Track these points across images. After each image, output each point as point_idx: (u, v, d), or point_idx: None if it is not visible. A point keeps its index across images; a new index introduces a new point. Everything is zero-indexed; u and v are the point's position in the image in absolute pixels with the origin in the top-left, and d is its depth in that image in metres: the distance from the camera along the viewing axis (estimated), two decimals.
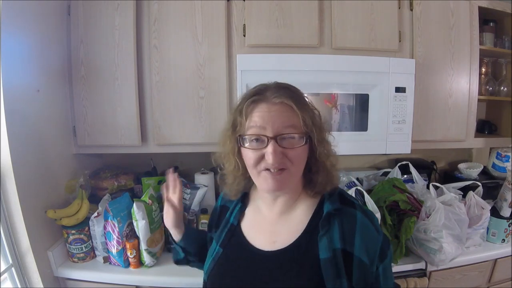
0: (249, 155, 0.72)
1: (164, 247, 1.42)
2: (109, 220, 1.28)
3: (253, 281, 0.74)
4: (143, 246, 1.30)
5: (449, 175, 1.93)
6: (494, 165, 1.88)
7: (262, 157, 0.70)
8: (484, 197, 1.50)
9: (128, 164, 1.70)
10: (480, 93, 1.64)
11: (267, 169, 0.70)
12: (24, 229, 1.15)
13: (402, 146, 1.51)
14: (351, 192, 1.37)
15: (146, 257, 1.31)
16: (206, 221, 1.36)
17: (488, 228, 1.47)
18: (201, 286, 0.85)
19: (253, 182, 0.77)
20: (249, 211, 0.85)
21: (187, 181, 1.57)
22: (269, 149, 0.68)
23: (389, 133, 1.48)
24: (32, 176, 1.20)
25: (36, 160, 1.24)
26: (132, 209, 1.30)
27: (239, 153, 0.75)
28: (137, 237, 1.31)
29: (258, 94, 0.72)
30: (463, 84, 1.58)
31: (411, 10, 1.50)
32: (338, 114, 1.48)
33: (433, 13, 1.51)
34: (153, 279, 1.27)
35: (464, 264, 1.39)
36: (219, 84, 1.44)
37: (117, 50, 1.39)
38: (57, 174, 1.37)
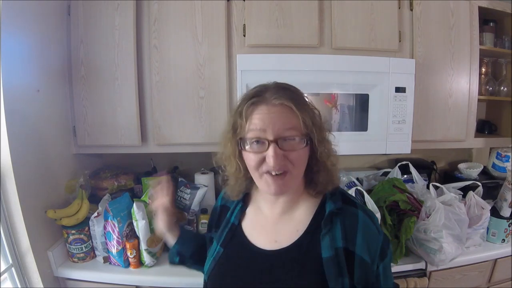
0: (250, 158, 0.71)
1: (164, 247, 1.42)
2: (109, 220, 1.28)
3: (253, 281, 0.74)
4: (143, 246, 1.30)
5: (449, 175, 1.93)
6: (494, 165, 1.88)
7: (263, 160, 0.70)
8: (484, 197, 1.50)
9: (128, 164, 1.70)
10: (480, 93, 1.64)
11: (269, 172, 0.70)
12: (24, 229, 1.15)
13: (402, 146, 1.51)
14: (351, 192, 1.37)
15: (146, 257, 1.31)
16: (206, 221, 1.36)
17: (488, 228, 1.47)
18: (202, 286, 0.85)
19: (255, 182, 0.77)
20: (250, 211, 0.84)
21: (187, 181, 1.57)
22: (270, 152, 0.68)
23: (389, 133, 1.48)
24: (32, 176, 1.20)
25: (36, 160, 1.24)
26: (132, 209, 1.30)
27: (240, 156, 0.75)
28: (137, 237, 1.31)
29: (258, 96, 0.72)
30: (463, 84, 1.58)
31: (411, 10, 1.50)
32: (338, 114, 1.48)
33: (433, 13, 1.51)
34: (153, 279, 1.27)
35: (464, 264, 1.39)
36: (219, 84, 1.44)
37: (117, 50, 1.39)
38: (57, 174, 1.37)
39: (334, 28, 1.46)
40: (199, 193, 1.50)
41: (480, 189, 1.51)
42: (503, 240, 1.48)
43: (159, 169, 1.73)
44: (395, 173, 1.69)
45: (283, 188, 0.72)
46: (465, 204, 1.42)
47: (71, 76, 1.41)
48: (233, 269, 0.78)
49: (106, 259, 1.34)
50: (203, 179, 1.61)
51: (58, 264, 1.29)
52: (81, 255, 1.33)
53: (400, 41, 1.50)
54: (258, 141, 0.70)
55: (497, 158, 1.86)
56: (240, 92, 1.38)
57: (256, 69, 1.38)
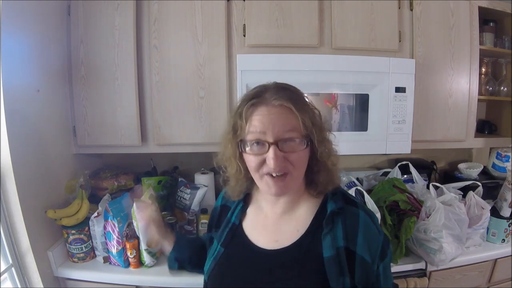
0: (250, 159, 0.72)
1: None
2: (109, 220, 1.28)
3: (254, 281, 0.74)
4: (143, 246, 1.29)
5: (449, 175, 1.93)
6: (494, 165, 1.88)
7: (263, 162, 0.70)
8: (484, 197, 1.50)
9: (128, 164, 1.70)
10: (480, 93, 1.64)
11: (269, 174, 0.70)
12: (24, 229, 1.15)
13: (402, 146, 1.51)
14: (351, 192, 1.37)
15: (146, 257, 1.31)
16: (206, 221, 1.36)
17: (488, 228, 1.47)
18: (202, 286, 0.85)
19: (255, 183, 0.77)
20: (251, 211, 0.85)
21: (187, 181, 1.57)
22: (270, 154, 0.68)
23: (389, 133, 1.48)
24: (32, 176, 1.20)
25: (36, 160, 1.24)
26: (132, 209, 1.29)
27: (241, 157, 0.75)
28: (137, 237, 1.30)
29: (258, 97, 0.72)
30: (463, 84, 1.58)
31: (411, 10, 1.50)
32: (338, 114, 1.48)
33: (433, 13, 1.51)
34: (153, 279, 1.27)
35: (464, 264, 1.39)
36: (219, 84, 1.44)
37: (117, 50, 1.39)
38: (57, 174, 1.37)
39: (334, 28, 1.46)
40: (199, 193, 1.50)
41: (480, 189, 1.51)
42: (503, 240, 1.48)
43: (159, 169, 1.73)
44: (395, 173, 1.69)
45: (283, 190, 0.72)
46: (465, 204, 1.42)
47: (71, 76, 1.41)
48: (233, 269, 0.78)
49: (106, 259, 1.34)
50: (203, 179, 1.61)
51: (58, 264, 1.29)
52: (81, 255, 1.33)
53: (400, 41, 1.50)
54: (258, 143, 0.70)
55: (497, 158, 1.86)
56: (240, 92, 1.38)
57: (256, 69, 1.38)
